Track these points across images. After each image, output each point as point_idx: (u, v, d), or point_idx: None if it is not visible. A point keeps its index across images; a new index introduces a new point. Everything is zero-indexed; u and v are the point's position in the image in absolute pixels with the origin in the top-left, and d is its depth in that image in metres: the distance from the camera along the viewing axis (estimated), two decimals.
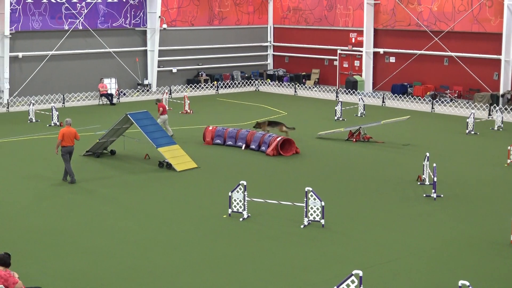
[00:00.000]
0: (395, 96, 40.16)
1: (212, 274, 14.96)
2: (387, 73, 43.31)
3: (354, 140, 28.84)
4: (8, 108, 37.07)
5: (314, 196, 17.92)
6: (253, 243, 16.92)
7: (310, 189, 18.01)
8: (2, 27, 38.06)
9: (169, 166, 24.16)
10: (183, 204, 20.16)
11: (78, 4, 41.10)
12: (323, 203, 17.91)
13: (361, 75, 43.76)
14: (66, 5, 40.65)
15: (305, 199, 18.02)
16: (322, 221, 17.95)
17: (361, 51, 43.87)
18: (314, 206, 17.98)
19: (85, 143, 27.26)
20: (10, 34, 38.29)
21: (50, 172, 23.46)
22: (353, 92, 41.78)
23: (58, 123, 31.93)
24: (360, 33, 43.95)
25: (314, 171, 24.06)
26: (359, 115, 35.14)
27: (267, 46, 49.66)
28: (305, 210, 18.07)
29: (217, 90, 44.32)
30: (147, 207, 19.89)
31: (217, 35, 47.17)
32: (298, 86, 44.41)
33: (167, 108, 29.32)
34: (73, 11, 40.89)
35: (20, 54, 39.36)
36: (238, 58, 48.14)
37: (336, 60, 45.76)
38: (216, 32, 47.11)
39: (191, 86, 44.55)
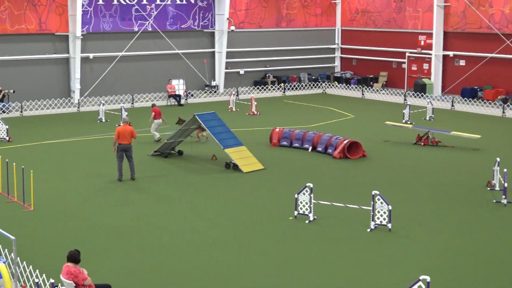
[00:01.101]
0: (465, 100, 39.51)
1: (277, 276, 14.95)
2: (456, 76, 42.64)
3: (422, 144, 28.48)
4: (79, 108, 37.78)
5: (381, 200, 17.76)
6: (319, 245, 16.86)
7: (377, 192, 17.85)
8: (74, 29, 38.82)
9: (235, 167, 24.25)
10: (249, 205, 20.21)
11: (148, 6, 41.64)
12: (390, 207, 17.73)
13: (430, 78, 43.19)
14: (136, 7, 41.23)
15: (372, 203, 17.86)
16: (389, 225, 17.77)
17: (430, 54, 43.29)
18: (381, 209, 17.82)
19: (153, 143, 27.60)
20: (82, 35, 39.02)
21: (116, 171, 23.76)
22: (422, 96, 41.27)
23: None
24: (430, 35, 43.38)
25: (381, 175, 23.84)
26: (427, 118, 34.70)
27: (334, 49, 49.44)
28: (371, 213, 17.91)
29: (284, 92, 44.32)
30: (213, 207, 20.00)
31: (285, 37, 47.17)
32: (366, 88, 44.09)
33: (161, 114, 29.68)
34: (142, 13, 41.44)
35: (91, 55, 40.07)
36: (305, 60, 48.06)
37: (404, 62, 45.28)
38: (283, 34, 47.11)
39: (258, 88, 44.66)
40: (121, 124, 23.12)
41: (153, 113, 29.14)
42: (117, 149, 22.63)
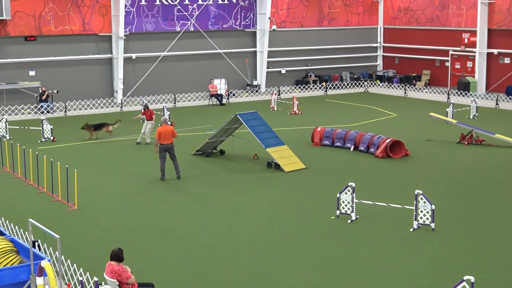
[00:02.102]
0: (510, 98, 38.94)
1: (319, 275, 14.91)
2: (501, 74, 42.06)
3: (466, 142, 28.16)
4: (121, 107, 38.10)
5: (424, 199, 17.61)
6: (361, 245, 16.77)
7: (420, 192, 17.70)
8: (117, 29, 39.17)
9: (277, 167, 24.24)
10: (291, 204, 20.18)
11: (190, 6, 41.83)
12: (433, 207, 17.56)
13: (473, 76, 42.69)
14: (178, 7, 41.45)
15: (415, 202, 17.72)
16: (432, 225, 17.60)
17: (474, 52, 42.78)
18: (424, 209, 17.66)
19: (195, 142, 27.71)
20: (124, 35, 39.36)
21: (159, 170, 23.93)
22: (465, 94, 40.81)
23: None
24: (473, 33, 42.87)
25: (424, 174, 23.62)
26: (471, 117, 34.32)
27: (376, 47, 49.15)
28: (414, 213, 17.77)
29: (326, 91, 44.18)
30: (255, 207, 20.02)
31: (326, 36, 47.02)
32: (408, 87, 43.74)
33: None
34: (185, 13, 41.65)
35: (134, 55, 40.39)
36: (347, 59, 47.83)
37: (447, 61, 44.83)
38: (325, 33, 46.97)
39: (299, 87, 44.60)
40: (161, 125, 23.16)
41: (153, 116, 28.85)
42: (160, 150, 22.74)
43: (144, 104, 30.00)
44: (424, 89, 44.10)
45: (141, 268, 15.11)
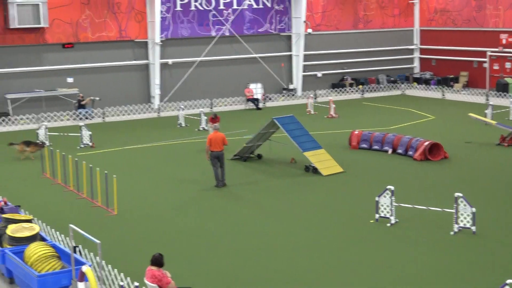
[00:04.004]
0: None
1: (359, 279, 14.82)
2: None
3: (506, 144, 27.83)
4: (159, 113, 38.31)
5: (464, 202, 17.42)
6: (401, 249, 16.65)
7: (460, 195, 17.53)
8: (153, 35, 39.42)
9: (315, 171, 24.18)
10: (329, 208, 20.11)
11: (225, 11, 41.96)
12: (474, 209, 17.37)
13: None
14: (214, 12, 41.58)
15: (455, 205, 17.54)
16: (473, 228, 17.41)
17: None
18: (465, 212, 17.48)
19: (232, 147, 27.75)
20: (161, 41, 39.58)
21: (198, 175, 24.02)
22: (504, 95, 40.35)
23: (206, 128, 32.64)
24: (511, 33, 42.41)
25: (464, 176, 23.39)
26: (511, 118, 33.91)
27: (413, 49, 48.82)
28: (455, 216, 17.59)
29: (363, 94, 43.99)
30: (293, 211, 19.98)
31: (362, 38, 46.83)
32: (446, 89, 43.37)
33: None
34: (220, 18, 41.77)
35: (170, 61, 40.60)
36: (383, 62, 47.60)
37: (485, 62, 44.36)
38: (361, 35, 46.79)
39: (336, 90, 44.46)
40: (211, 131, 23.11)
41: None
42: (211, 157, 22.59)
43: (213, 113, 30.11)
44: (462, 90, 43.71)
45: (181, 273, 15.15)
